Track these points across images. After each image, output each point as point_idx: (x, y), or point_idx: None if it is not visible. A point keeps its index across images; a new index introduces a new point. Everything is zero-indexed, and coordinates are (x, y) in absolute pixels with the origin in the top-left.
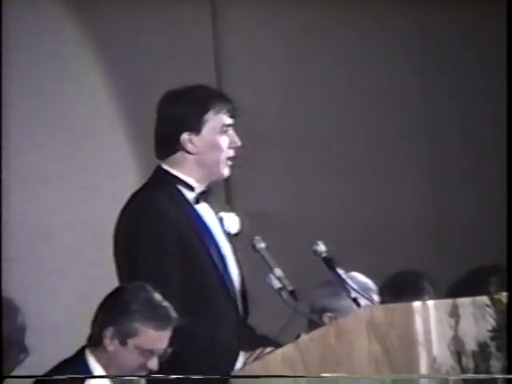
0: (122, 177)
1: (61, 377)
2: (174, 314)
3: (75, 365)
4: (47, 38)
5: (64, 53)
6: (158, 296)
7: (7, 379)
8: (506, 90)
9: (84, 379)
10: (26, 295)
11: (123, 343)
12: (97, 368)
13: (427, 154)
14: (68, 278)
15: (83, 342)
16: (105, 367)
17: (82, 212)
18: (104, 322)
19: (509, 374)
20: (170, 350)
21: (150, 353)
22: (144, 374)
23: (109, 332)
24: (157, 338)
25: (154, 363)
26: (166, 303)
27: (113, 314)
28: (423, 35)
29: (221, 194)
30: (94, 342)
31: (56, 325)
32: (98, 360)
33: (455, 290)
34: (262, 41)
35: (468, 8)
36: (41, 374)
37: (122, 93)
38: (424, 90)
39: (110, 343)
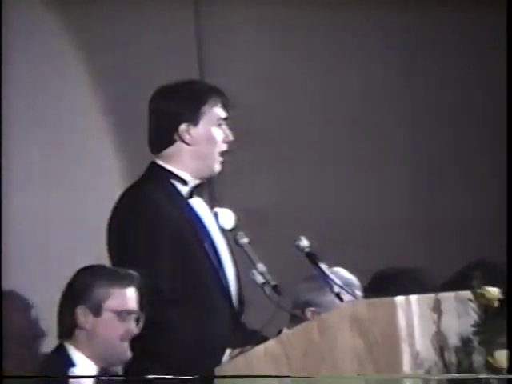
0: (110, 174)
1: (60, 377)
2: (135, 273)
3: (56, 358)
4: (26, 36)
5: (48, 50)
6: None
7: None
8: (506, 90)
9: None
10: (25, 293)
11: (97, 313)
12: (78, 355)
13: (419, 150)
14: (66, 274)
15: None
16: (87, 350)
17: (79, 210)
18: (72, 306)
19: (509, 373)
20: (143, 314)
21: (126, 314)
22: (126, 340)
23: (80, 309)
24: (126, 297)
25: (133, 326)
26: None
27: (77, 295)
28: (422, 33)
29: (205, 188)
30: (66, 331)
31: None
32: (78, 347)
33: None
34: (247, 36)
35: (468, 8)
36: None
37: (108, 89)
38: (421, 88)
39: (86, 320)
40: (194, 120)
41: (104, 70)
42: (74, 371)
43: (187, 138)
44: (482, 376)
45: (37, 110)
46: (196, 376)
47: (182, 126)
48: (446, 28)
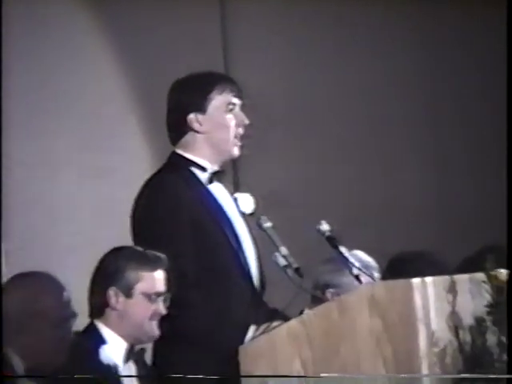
0: (136, 161)
1: (62, 376)
2: (163, 256)
3: (87, 336)
4: (58, 26)
5: (75, 40)
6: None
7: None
8: (506, 83)
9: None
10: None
11: (129, 295)
12: (108, 333)
13: (430, 138)
14: (83, 260)
15: None
16: (117, 329)
17: (96, 196)
18: (104, 286)
19: (509, 373)
20: (169, 295)
21: (156, 296)
22: (155, 321)
23: (112, 291)
24: (155, 279)
25: (161, 307)
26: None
27: (109, 276)
28: (427, 26)
29: (229, 174)
30: (97, 310)
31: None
32: (108, 325)
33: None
34: (270, 27)
35: (468, 8)
36: None
37: (134, 79)
38: (427, 78)
39: (117, 301)
40: (201, 108)
41: (131, 61)
42: (105, 348)
43: (196, 126)
44: (488, 376)
45: (62, 98)
46: (216, 377)
47: (191, 116)
48: (445, 28)
